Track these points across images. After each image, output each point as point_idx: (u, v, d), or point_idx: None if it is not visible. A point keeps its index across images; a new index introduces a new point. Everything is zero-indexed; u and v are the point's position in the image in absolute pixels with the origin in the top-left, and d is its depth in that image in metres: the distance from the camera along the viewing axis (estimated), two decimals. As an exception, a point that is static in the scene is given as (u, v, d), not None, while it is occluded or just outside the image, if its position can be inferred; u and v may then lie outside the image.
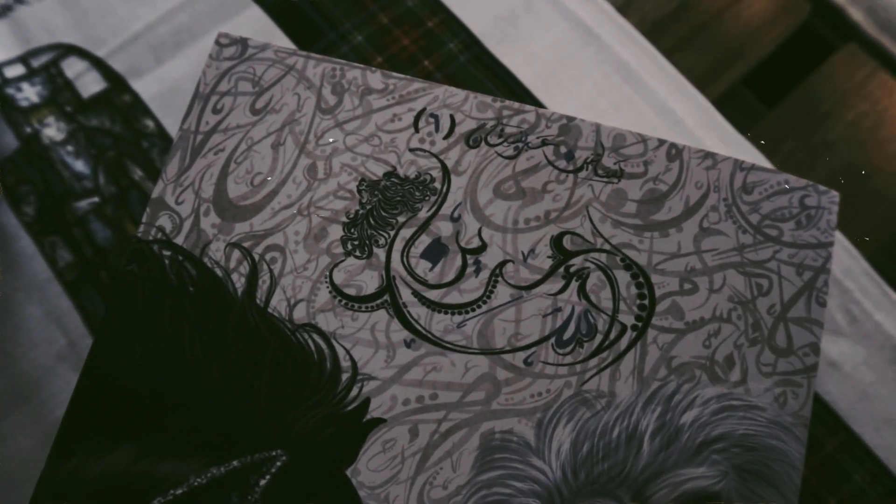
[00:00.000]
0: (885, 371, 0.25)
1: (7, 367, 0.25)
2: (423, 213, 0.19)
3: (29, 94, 0.28)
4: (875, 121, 0.28)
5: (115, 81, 0.28)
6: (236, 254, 0.18)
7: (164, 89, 0.28)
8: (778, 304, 0.18)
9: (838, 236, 0.27)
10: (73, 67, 0.29)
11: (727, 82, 0.29)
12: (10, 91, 0.28)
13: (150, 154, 0.27)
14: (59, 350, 0.25)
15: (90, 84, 0.28)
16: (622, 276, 0.18)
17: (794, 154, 0.28)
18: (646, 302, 0.18)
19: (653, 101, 0.28)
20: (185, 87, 0.28)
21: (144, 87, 0.28)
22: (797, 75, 0.29)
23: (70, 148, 0.27)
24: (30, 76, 0.28)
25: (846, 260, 0.26)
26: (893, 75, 0.29)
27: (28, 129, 0.28)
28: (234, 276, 0.18)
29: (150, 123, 0.28)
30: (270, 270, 0.18)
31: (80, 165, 0.27)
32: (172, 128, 0.28)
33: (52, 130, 0.28)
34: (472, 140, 0.19)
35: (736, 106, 0.29)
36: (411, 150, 0.19)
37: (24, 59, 0.29)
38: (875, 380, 0.25)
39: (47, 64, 0.29)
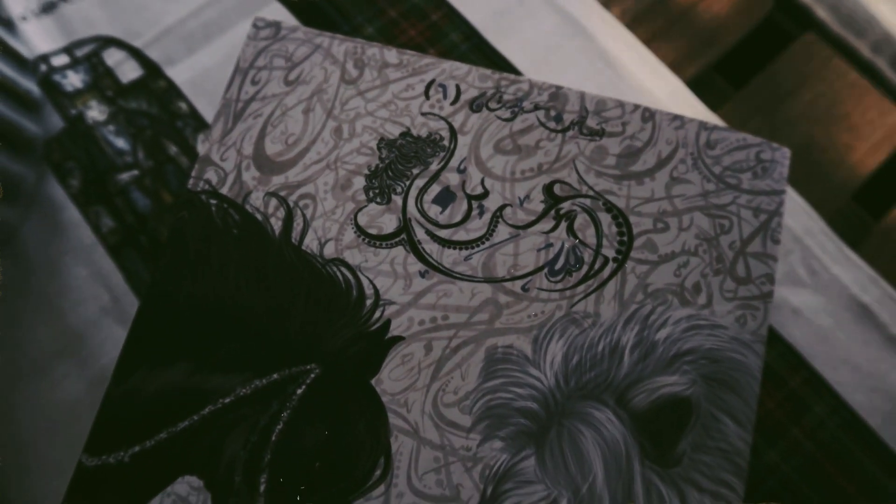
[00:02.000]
0: (841, 317, 0.28)
1: (56, 321, 0.28)
2: (434, 166, 0.22)
3: (73, 80, 0.31)
4: (831, 100, 0.31)
5: (151, 69, 0.32)
6: (273, 201, 0.21)
7: (195, 76, 0.31)
8: (738, 240, 0.21)
9: (800, 200, 0.30)
10: (112, 57, 0.32)
11: (699, 67, 0.32)
12: (57, 78, 0.31)
13: (184, 133, 0.30)
14: (104, 306, 0.28)
15: (128, 71, 0.32)
16: (604, 217, 0.21)
17: (760, 130, 0.32)
18: (625, 238, 0.21)
19: (633, 83, 0.31)
20: (215, 74, 0.32)
21: (177, 74, 0.31)
22: (761, 61, 0.32)
23: (111, 127, 0.30)
24: (73, 65, 0.32)
25: (806, 221, 0.29)
26: (846, 60, 0.32)
27: (73, 112, 0.31)
28: (272, 220, 0.21)
29: (183, 106, 0.31)
30: (303, 215, 0.21)
31: (120, 143, 0.30)
32: (204, 109, 0.31)
33: (95, 112, 0.31)
34: (475, 105, 0.22)
35: (707, 88, 0.32)
36: (423, 114, 0.22)
37: (68, 50, 0.32)
38: (833, 324, 0.28)
39: (89, 54, 0.32)
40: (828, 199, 0.30)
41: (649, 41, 0.32)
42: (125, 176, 0.29)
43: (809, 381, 0.27)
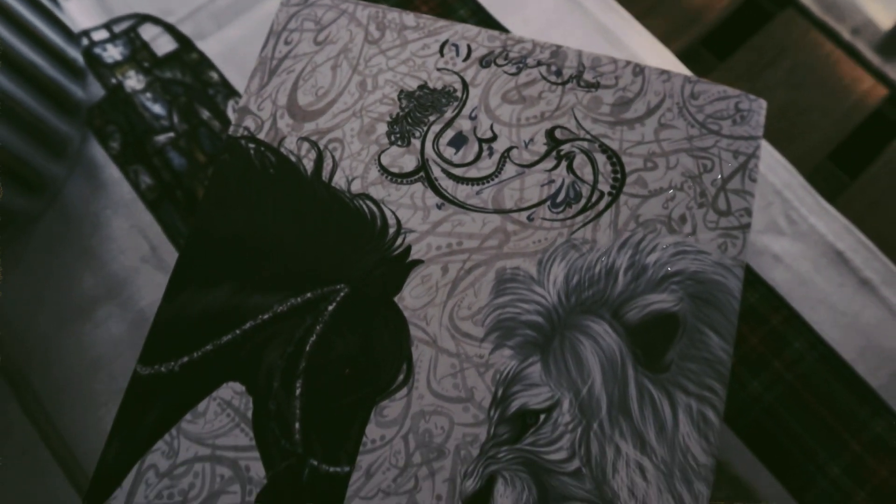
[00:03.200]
0: (818, 262, 0.31)
1: (100, 269, 0.31)
2: (449, 114, 0.24)
3: (112, 53, 0.34)
4: (807, 69, 0.34)
5: (184, 43, 0.34)
6: (305, 145, 0.24)
7: (224, 49, 0.34)
8: (719, 178, 0.24)
9: (780, 158, 0.32)
10: (148, 32, 0.35)
11: (687, 41, 0.35)
12: (97, 51, 0.34)
13: (216, 99, 0.33)
14: (143, 254, 0.31)
15: (163, 45, 0.34)
16: (600, 158, 0.24)
17: (744, 98, 0.34)
18: (618, 176, 0.24)
19: (626, 54, 0.34)
20: (243, 47, 0.34)
21: (208, 48, 0.34)
22: (744, 35, 0.35)
23: (148, 95, 0.33)
24: (112, 39, 0.34)
25: (786, 176, 0.32)
26: (821, 33, 0.35)
27: (113, 81, 0.33)
28: (305, 161, 0.24)
29: (214, 75, 0.34)
30: (332, 156, 0.24)
31: (157, 108, 0.33)
32: (233, 78, 0.34)
33: (133, 82, 0.33)
34: (484, 62, 0.25)
35: (694, 59, 0.35)
36: (438, 70, 0.25)
37: (107, 26, 0.35)
38: (810, 269, 0.30)
39: (127, 30, 0.35)
40: (806, 157, 0.32)
41: (641, 17, 0.35)
42: (162, 138, 0.32)
43: (789, 319, 0.30)
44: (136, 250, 0.31)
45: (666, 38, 0.34)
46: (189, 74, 0.33)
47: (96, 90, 0.33)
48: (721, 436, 0.28)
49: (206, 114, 0.33)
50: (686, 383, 0.22)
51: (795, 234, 0.31)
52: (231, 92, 0.33)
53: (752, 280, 0.30)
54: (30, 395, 0.29)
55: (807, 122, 0.33)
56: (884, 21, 0.38)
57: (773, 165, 0.32)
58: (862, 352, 0.29)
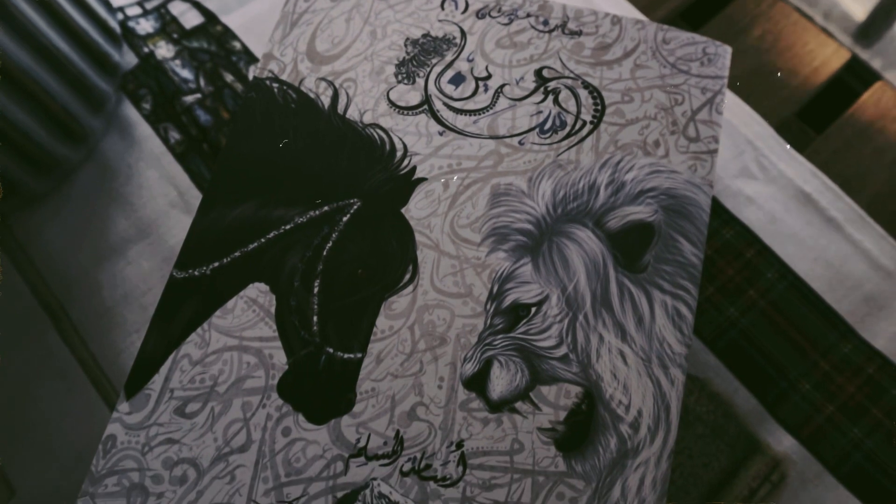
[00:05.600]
0: (787, 203, 0.33)
1: (132, 213, 0.34)
2: (449, 57, 0.28)
3: (145, 26, 0.38)
4: (776, 35, 0.37)
5: (210, 17, 0.38)
6: (323, 84, 0.27)
7: (246, 21, 0.38)
8: (689, 110, 0.27)
9: (752, 111, 0.35)
10: (176, 8, 0.38)
11: (665, 11, 0.38)
12: (131, 24, 0.38)
13: (239, 65, 0.36)
14: (172, 200, 0.34)
15: (191, 19, 0.38)
16: (583, 93, 0.27)
17: (718, 63, 0.38)
18: (599, 108, 0.27)
19: (610, 23, 0.37)
20: (263, 19, 0.38)
21: (232, 21, 0.38)
22: (717, 7, 0.39)
23: (177, 62, 0.36)
24: (145, 14, 0.38)
25: (757, 128, 0.35)
26: (788, 4, 0.38)
27: (145, 50, 0.37)
28: (322, 98, 0.27)
29: (237, 45, 0.37)
30: (347, 93, 0.27)
31: (185, 73, 0.36)
32: (254, 47, 0.37)
33: (163, 51, 0.37)
34: (480, 14, 0.29)
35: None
36: (439, 21, 0.28)
37: (140, 3, 0.38)
38: (781, 208, 0.33)
39: (157, 6, 0.38)
40: (775, 112, 0.35)
41: (623, -8, 0.38)
42: (189, 98, 0.35)
43: (762, 252, 0.32)
44: (165, 196, 0.34)
45: (646, 9, 0.38)
46: (214, 44, 0.37)
47: (130, 58, 0.37)
48: (701, 355, 0.31)
49: (229, 77, 0.36)
50: (662, 283, 0.25)
51: (766, 178, 0.34)
52: (252, 59, 0.37)
53: (728, 219, 0.33)
54: (68, 324, 0.32)
55: (775, 81, 0.36)
56: (857, 12, 0.41)
57: (745, 119, 0.35)
58: (829, 281, 0.32)
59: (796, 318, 0.31)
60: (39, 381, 0.31)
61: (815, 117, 0.36)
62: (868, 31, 0.43)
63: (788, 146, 0.34)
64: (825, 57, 0.37)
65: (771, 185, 0.34)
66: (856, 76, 0.38)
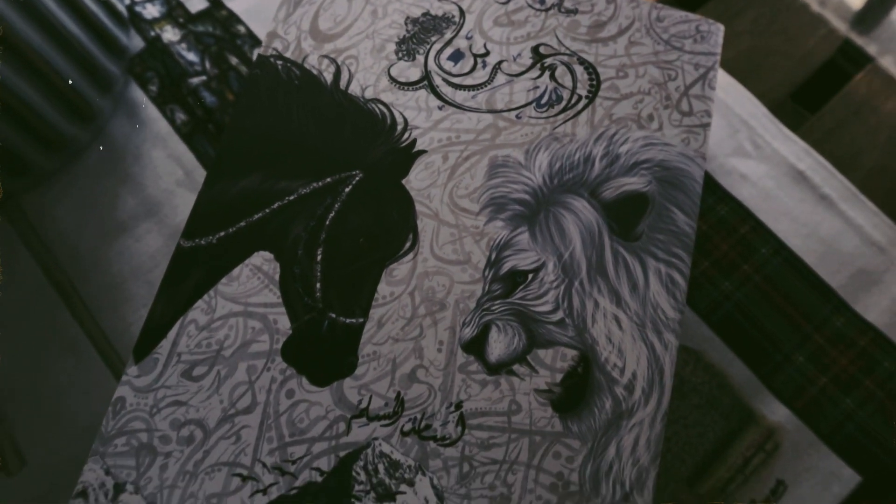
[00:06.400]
0: (781, 180, 0.34)
1: (140, 192, 0.34)
2: (448, 35, 0.28)
3: (151, 10, 0.38)
4: (771, 18, 0.38)
5: (215, 2, 0.39)
6: (326, 61, 0.28)
7: (250, 6, 0.39)
8: (682, 85, 0.28)
9: (746, 92, 0.36)
10: (184, -5, 0.39)
11: (661, -3, 0.39)
12: (138, 9, 0.38)
13: (243, 48, 0.37)
14: (178, 178, 0.35)
15: (196, 3, 0.39)
16: (578, 69, 0.28)
17: (714, 46, 0.38)
18: (595, 83, 0.27)
19: (607, 7, 0.38)
20: (266, 4, 0.39)
21: (236, 5, 0.39)
22: (712, -8, 0.39)
23: (183, 45, 0.37)
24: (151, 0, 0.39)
25: (751, 108, 0.36)
26: None
27: (152, 34, 0.38)
28: (325, 74, 0.28)
29: (241, 28, 0.38)
30: (349, 70, 0.28)
31: (191, 56, 0.37)
32: (259, 31, 0.38)
33: (170, 34, 0.38)
34: (479, -6, 0.29)
35: (668, 12, 0.39)
36: (439, 0, 0.29)
37: (147, -10, 0.39)
38: (774, 186, 0.34)
39: (165, -7, 0.39)
40: (769, 93, 0.36)
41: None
42: (195, 80, 0.36)
43: (756, 229, 0.33)
44: (171, 175, 0.35)
45: (642, -5, 0.38)
46: (219, 28, 0.38)
47: (137, 42, 0.38)
48: (696, 328, 0.31)
49: (234, 60, 0.37)
50: (655, 251, 0.25)
51: (760, 156, 0.34)
52: (256, 42, 0.37)
53: (722, 196, 0.33)
54: (77, 300, 0.32)
55: (769, 62, 0.37)
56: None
57: (739, 99, 0.35)
58: (822, 257, 0.32)
59: (790, 292, 0.32)
60: (50, 355, 0.32)
61: (808, 99, 0.37)
62: (864, 18, 0.43)
63: (783, 126, 0.35)
64: (818, 39, 0.37)
65: (765, 163, 0.34)
66: (849, 60, 0.39)
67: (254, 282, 0.25)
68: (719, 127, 0.35)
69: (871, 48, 0.41)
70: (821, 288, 0.32)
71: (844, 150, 0.35)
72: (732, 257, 0.32)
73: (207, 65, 0.37)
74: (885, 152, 0.34)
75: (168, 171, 0.35)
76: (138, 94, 0.36)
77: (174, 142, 0.35)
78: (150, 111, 0.36)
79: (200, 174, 0.34)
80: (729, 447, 0.30)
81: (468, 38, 0.28)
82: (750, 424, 0.30)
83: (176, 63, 0.37)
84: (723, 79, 0.36)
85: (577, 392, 0.24)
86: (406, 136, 0.27)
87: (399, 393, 0.24)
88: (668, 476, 0.29)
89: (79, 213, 0.34)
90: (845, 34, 0.40)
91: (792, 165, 0.34)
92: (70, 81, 0.31)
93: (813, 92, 0.37)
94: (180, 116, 0.36)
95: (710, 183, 0.34)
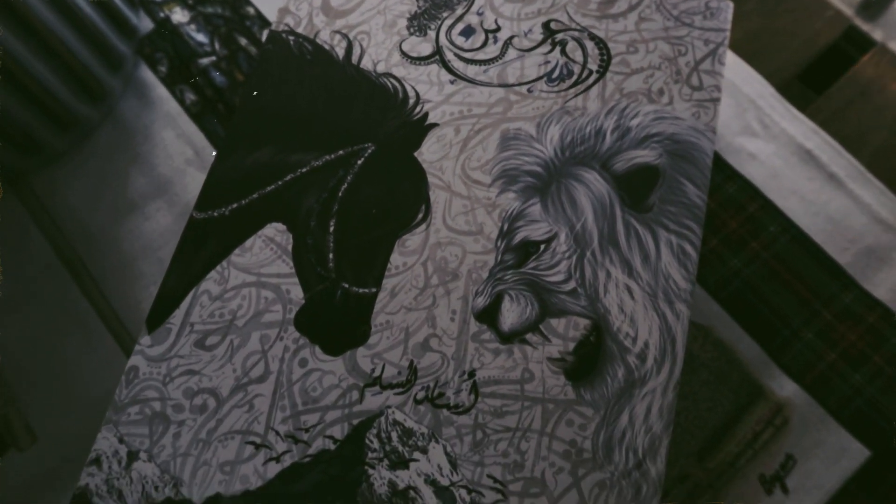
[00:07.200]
0: (788, 159, 0.34)
1: (150, 171, 0.35)
2: (459, 11, 0.29)
3: (162, -6, 0.38)
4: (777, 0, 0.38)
5: (225, -14, 0.39)
6: (338, 36, 0.28)
7: (260, -11, 0.39)
8: (692, 61, 0.28)
9: (753, 72, 0.36)
10: (193, -22, 0.39)
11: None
12: (148, -8, 0.39)
13: (252, 29, 0.37)
14: (188, 158, 0.35)
15: (206, -13, 0.39)
16: (589, 44, 0.28)
17: (721, 29, 0.38)
18: (605, 58, 0.28)
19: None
20: (277, -12, 0.39)
21: (246, -11, 0.39)
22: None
23: (193, 26, 0.37)
24: (161, -16, 0.39)
25: (759, 88, 0.36)
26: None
27: (161, 15, 0.38)
28: (337, 49, 0.28)
29: (251, 10, 0.38)
30: (361, 45, 0.28)
31: (200, 37, 0.37)
32: (268, 13, 0.38)
33: (179, 16, 0.38)
34: (489, -30, 0.29)
35: (676, -5, 0.39)
36: (449, -23, 0.29)
37: (157, -26, 0.39)
38: (782, 164, 0.34)
39: (174, -24, 0.39)
40: (777, 74, 0.36)
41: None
42: (205, 61, 0.36)
43: (764, 207, 0.33)
44: (181, 155, 0.35)
45: (650, -22, 0.39)
46: (228, 9, 0.38)
47: (147, 23, 0.38)
48: (705, 304, 0.31)
49: (243, 41, 0.37)
50: (667, 222, 0.25)
51: (768, 136, 0.35)
52: (266, 23, 0.38)
53: (731, 174, 0.34)
54: (88, 278, 0.33)
55: (776, 43, 0.37)
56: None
57: (747, 79, 0.36)
58: (830, 234, 0.32)
59: (798, 269, 0.32)
60: (60, 332, 0.32)
61: (815, 80, 0.37)
62: (870, 4, 0.43)
63: (790, 105, 0.35)
64: (826, 21, 0.37)
65: (773, 142, 0.34)
66: (854, 44, 0.39)
67: (266, 252, 0.25)
68: (727, 106, 0.35)
69: (877, 34, 0.41)
70: (829, 265, 0.32)
71: (851, 129, 0.35)
72: (741, 234, 0.32)
73: (217, 46, 0.37)
74: (892, 132, 0.35)
75: (178, 150, 0.35)
76: (148, 75, 0.37)
77: (184, 122, 0.35)
78: (160, 92, 0.36)
79: (210, 153, 0.35)
80: (738, 422, 0.30)
81: (479, 14, 0.29)
82: (759, 399, 0.30)
83: (185, 44, 0.37)
84: (730, 59, 0.36)
85: (589, 361, 0.24)
86: (418, 109, 0.27)
87: (412, 361, 0.24)
88: (678, 450, 0.29)
89: (89, 192, 0.34)
90: (851, 17, 0.40)
91: (800, 145, 0.34)
92: (81, 58, 0.32)
93: (820, 74, 0.37)
94: (190, 97, 0.36)
95: (719, 161, 0.34)
